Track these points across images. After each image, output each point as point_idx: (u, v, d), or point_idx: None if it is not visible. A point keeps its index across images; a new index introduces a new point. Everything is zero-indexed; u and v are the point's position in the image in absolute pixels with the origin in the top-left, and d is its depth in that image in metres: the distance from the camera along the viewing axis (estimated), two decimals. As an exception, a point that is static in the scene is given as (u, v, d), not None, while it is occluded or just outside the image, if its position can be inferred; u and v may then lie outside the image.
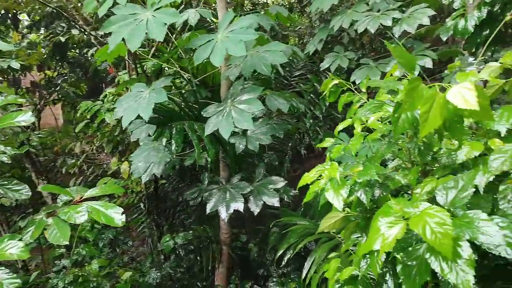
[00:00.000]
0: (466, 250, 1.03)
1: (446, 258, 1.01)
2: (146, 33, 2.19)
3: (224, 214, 3.05)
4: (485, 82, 1.63)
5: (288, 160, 4.61)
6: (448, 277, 1.00)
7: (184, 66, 3.55)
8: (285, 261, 3.14)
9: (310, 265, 2.81)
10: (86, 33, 3.42)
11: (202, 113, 2.69)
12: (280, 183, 3.21)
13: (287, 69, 5.14)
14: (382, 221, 1.14)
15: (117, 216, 1.97)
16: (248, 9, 6.68)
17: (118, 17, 2.31)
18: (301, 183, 1.67)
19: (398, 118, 1.31)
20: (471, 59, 3.15)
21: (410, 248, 1.16)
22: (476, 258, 1.22)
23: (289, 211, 3.62)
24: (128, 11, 2.36)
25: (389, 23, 3.38)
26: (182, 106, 2.93)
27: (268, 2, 7.12)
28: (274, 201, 3.07)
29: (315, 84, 4.55)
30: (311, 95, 4.55)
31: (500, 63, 1.60)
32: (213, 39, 2.52)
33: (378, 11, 3.64)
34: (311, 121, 4.45)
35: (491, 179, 1.39)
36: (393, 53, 1.29)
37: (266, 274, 4.17)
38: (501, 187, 1.41)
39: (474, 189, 1.24)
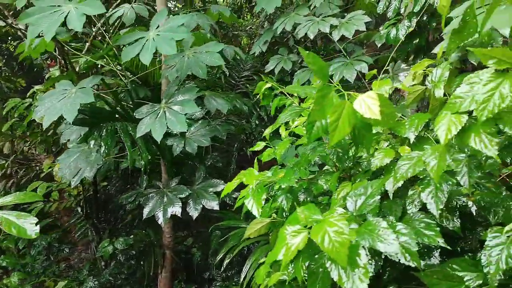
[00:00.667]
0: (363, 259, 1.04)
1: (344, 267, 1.02)
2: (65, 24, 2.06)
3: (161, 219, 2.95)
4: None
5: (234, 161, 4.58)
6: (345, 285, 1.00)
7: (123, 64, 3.40)
8: (225, 265, 3.10)
9: (248, 269, 2.80)
10: (9, 24, 3.16)
11: (134, 114, 2.57)
12: (221, 185, 3.17)
13: (236, 69, 5.11)
14: (288, 229, 1.13)
15: (30, 227, 1.81)
16: (199, 7, 6.56)
17: (37, 9, 2.14)
18: (225, 191, 1.64)
19: (312, 125, 1.31)
20: (403, 65, 3.30)
21: (316, 256, 1.17)
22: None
23: (231, 213, 3.59)
24: (48, 2, 2.20)
25: (327, 30, 3.46)
26: (115, 106, 2.79)
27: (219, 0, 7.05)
28: (214, 205, 3.02)
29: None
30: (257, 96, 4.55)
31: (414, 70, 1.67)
32: (144, 36, 2.42)
33: (320, 15, 3.71)
34: (256, 122, 4.45)
35: (399, 185, 1.44)
36: (305, 59, 1.29)
37: (211, 278, 4.11)
38: (410, 192, 1.46)
39: (379, 196, 1.26)
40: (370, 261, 1.20)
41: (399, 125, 1.60)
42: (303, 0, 4.27)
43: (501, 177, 1.59)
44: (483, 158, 1.47)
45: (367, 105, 1.12)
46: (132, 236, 3.94)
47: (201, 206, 3.02)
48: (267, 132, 1.86)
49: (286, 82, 4.19)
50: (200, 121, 3.13)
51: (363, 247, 1.09)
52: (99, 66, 3.33)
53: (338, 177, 1.73)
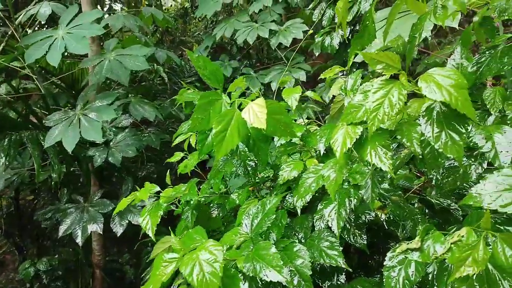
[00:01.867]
0: (243, 289, 0.91)
1: (221, 300, 0.88)
2: None
3: (79, 238, 2.69)
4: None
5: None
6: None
7: (46, 67, 3.11)
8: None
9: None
10: None
11: (44, 121, 2.32)
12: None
13: (179, 75, 4.92)
14: (165, 257, 0.97)
15: None
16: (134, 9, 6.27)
17: None
18: (117, 209, 1.46)
19: (204, 136, 1.17)
20: (340, 74, 3.29)
21: None
22: None
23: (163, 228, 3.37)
24: None
25: (266, 35, 3.39)
26: (27, 113, 2.51)
27: (165, 3, 6.84)
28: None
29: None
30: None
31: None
32: (52, 35, 2.18)
33: (257, 21, 3.64)
34: (197, 130, 4.28)
35: (308, 199, 1.34)
36: (194, 64, 1.15)
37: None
38: (319, 207, 1.36)
39: (274, 216, 1.14)
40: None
41: (310, 136, 1.51)
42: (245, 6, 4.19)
43: (413, 190, 1.54)
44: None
45: (255, 113, 1.00)
46: (56, 256, 3.59)
47: (127, 221, 2.79)
48: (177, 140, 1.70)
49: (226, 89, 4.07)
50: (127, 130, 2.90)
51: (245, 276, 0.96)
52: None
53: (251, 191, 1.61)
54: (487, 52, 1.10)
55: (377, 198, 1.35)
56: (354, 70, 2.50)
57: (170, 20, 3.57)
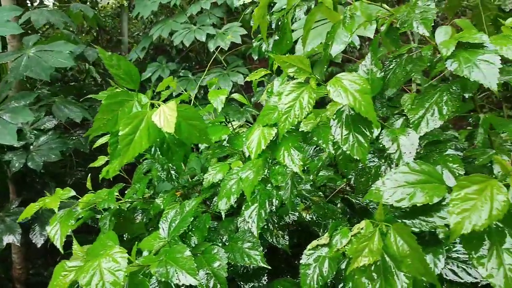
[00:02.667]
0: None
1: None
2: None
3: (-8, 250, 2.43)
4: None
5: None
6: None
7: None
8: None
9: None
10: None
11: None
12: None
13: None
14: (67, 264, 0.90)
15: None
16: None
17: None
18: (23, 216, 1.34)
19: (116, 140, 1.11)
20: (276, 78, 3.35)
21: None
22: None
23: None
24: None
25: (203, 38, 3.36)
26: None
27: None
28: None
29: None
30: (135, 106, 4.23)
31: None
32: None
33: (197, 23, 3.60)
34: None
35: (232, 202, 1.33)
36: (105, 62, 1.09)
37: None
38: (242, 210, 1.35)
39: (192, 219, 1.12)
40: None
41: (237, 138, 1.50)
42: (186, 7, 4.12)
43: (337, 190, 1.60)
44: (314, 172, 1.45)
45: (166, 116, 0.97)
46: (-32, 272, 3.22)
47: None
48: (97, 144, 1.61)
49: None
50: (50, 132, 2.70)
51: (159, 282, 0.92)
52: None
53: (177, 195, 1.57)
54: (393, 60, 1.17)
55: (299, 199, 1.38)
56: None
57: (100, 18, 3.40)
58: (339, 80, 0.94)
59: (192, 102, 1.85)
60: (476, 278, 0.96)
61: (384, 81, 1.14)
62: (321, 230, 1.40)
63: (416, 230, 0.84)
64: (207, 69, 2.55)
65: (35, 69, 2.25)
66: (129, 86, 1.14)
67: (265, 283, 1.28)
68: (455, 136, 1.48)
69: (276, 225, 1.36)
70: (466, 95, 1.13)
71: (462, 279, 0.96)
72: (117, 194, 1.65)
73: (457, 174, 1.04)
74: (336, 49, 1.27)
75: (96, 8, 5.91)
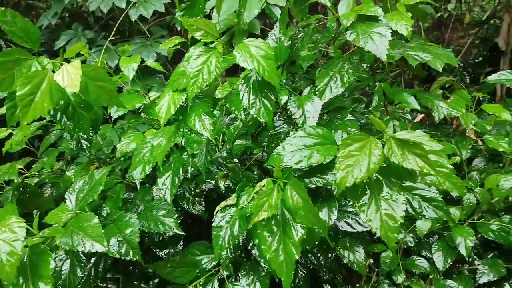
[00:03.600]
0: (51, 266, 0.84)
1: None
2: None
3: None
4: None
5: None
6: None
7: None
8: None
9: None
10: None
11: None
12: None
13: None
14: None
15: None
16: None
17: None
18: None
19: (14, 104, 1.03)
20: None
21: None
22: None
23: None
24: None
25: (123, 5, 3.15)
26: None
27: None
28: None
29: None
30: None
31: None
32: None
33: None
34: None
35: (148, 171, 1.31)
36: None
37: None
38: (157, 178, 1.34)
39: (101, 186, 1.09)
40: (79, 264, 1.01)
41: (151, 107, 1.47)
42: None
43: (254, 158, 1.66)
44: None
45: (69, 75, 0.92)
46: None
47: None
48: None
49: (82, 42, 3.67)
50: None
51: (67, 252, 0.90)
52: None
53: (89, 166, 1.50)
54: (301, 30, 1.23)
55: (216, 167, 1.41)
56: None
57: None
58: (245, 46, 0.97)
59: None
60: (366, 228, 1.08)
61: (292, 49, 1.20)
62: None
63: (313, 186, 0.92)
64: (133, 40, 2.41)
65: None
66: (28, 46, 1.05)
67: (181, 248, 1.31)
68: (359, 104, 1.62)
69: (192, 193, 1.38)
70: (365, 65, 1.23)
71: (354, 229, 1.08)
72: (23, 168, 1.54)
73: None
74: (248, 16, 1.30)
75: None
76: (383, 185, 0.80)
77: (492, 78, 1.63)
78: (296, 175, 0.95)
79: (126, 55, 1.48)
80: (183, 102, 1.03)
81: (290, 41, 1.16)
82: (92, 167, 1.65)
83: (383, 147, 0.77)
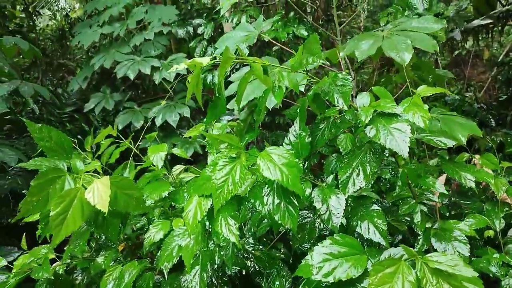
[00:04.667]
0: None
1: None
2: None
3: None
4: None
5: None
6: None
7: None
8: None
9: None
10: None
11: None
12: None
13: (59, 104, 4.47)
14: None
15: None
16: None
17: None
18: None
19: (47, 215, 1.08)
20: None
21: None
22: None
23: None
24: None
25: (147, 71, 3.33)
26: None
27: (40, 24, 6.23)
28: None
29: (83, 124, 4.08)
30: (79, 136, 4.05)
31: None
32: None
33: (141, 53, 3.56)
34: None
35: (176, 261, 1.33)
36: (35, 136, 1.07)
37: None
38: (185, 270, 1.35)
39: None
40: None
41: (178, 193, 1.51)
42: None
43: (278, 237, 1.65)
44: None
45: (100, 193, 0.96)
46: None
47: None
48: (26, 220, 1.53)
49: (109, 122, 3.85)
50: None
51: None
52: None
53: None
54: (321, 122, 1.25)
55: (241, 255, 1.41)
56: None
57: (38, 51, 3.26)
58: (267, 154, 1.00)
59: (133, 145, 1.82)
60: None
61: (312, 143, 1.22)
62: (263, 279, 1.45)
63: (342, 299, 0.91)
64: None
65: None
66: (62, 158, 1.11)
67: None
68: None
69: (220, 281, 1.38)
70: (386, 153, 1.24)
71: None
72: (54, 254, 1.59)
73: (381, 230, 1.14)
74: (269, 105, 1.35)
75: (34, 31, 5.64)
76: (416, 311, 0.78)
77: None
78: (325, 285, 0.94)
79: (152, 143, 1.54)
80: (208, 208, 1.05)
81: (310, 137, 1.19)
82: (120, 247, 1.69)
83: (416, 273, 0.75)
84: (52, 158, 1.11)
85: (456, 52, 5.82)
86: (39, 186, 0.97)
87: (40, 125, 1.09)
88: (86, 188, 1.00)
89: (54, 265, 1.51)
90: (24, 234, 1.68)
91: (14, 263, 1.51)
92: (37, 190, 0.97)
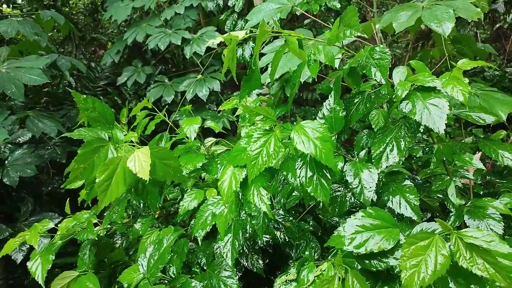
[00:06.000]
0: None
1: None
2: None
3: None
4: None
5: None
6: None
7: None
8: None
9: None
10: None
11: None
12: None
13: (90, 78, 4.61)
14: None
15: None
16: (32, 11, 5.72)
17: None
18: (4, 251, 1.37)
19: (92, 181, 1.15)
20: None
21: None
22: None
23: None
24: None
25: (178, 42, 3.35)
26: None
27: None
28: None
29: (116, 98, 4.20)
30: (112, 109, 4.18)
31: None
32: None
33: (172, 27, 3.58)
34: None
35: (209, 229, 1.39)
36: (81, 106, 1.12)
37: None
38: (218, 237, 1.41)
39: (169, 257, 1.17)
40: None
41: (211, 164, 1.55)
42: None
43: (307, 210, 1.68)
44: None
45: (140, 162, 1.01)
46: None
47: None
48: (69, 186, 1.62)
49: (140, 96, 3.94)
50: (25, 146, 2.68)
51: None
52: None
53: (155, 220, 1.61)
54: (356, 96, 1.24)
55: (272, 225, 1.46)
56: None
57: (72, 26, 3.33)
58: (301, 128, 1.01)
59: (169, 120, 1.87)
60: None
61: (347, 117, 1.22)
62: (293, 250, 1.49)
63: (374, 269, 0.93)
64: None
65: (8, 86, 2.22)
66: (104, 129, 1.17)
67: (241, 306, 1.36)
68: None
69: (251, 249, 1.43)
70: (421, 129, 1.22)
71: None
72: (96, 219, 1.69)
73: (413, 205, 1.14)
74: (302, 78, 1.35)
75: (67, 5, 5.75)
76: (449, 284, 0.79)
77: None
78: (356, 255, 0.97)
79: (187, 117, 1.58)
80: (243, 178, 1.09)
81: (344, 111, 1.18)
82: (156, 215, 1.78)
83: (450, 247, 0.76)
84: (95, 128, 1.16)
85: (497, 25, 5.47)
86: (85, 154, 1.03)
87: (85, 95, 1.15)
88: (127, 158, 1.05)
89: (95, 229, 1.61)
90: (68, 199, 1.79)
91: (58, 225, 1.62)
92: (83, 159, 1.03)
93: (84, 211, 1.73)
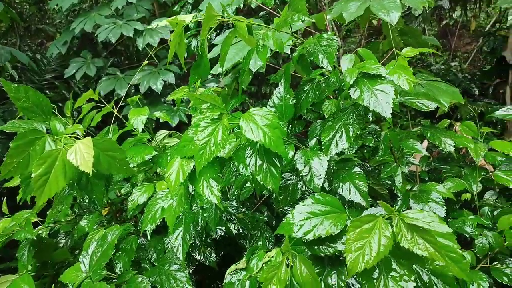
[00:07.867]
0: None
1: None
2: None
3: None
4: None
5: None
6: None
7: None
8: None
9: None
10: None
11: None
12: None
13: (39, 71, 4.31)
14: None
15: None
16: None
17: None
18: None
19: (28, 177, 1.06)
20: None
21: None
22: None
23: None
24: None
25: (130, 34, 3.21)
26: None
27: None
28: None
29: (64, 92, 3.96)
30: (59, 104, 3.95)
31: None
32: None
33: (123, 17, 3.43)
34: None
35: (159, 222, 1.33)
36: (12, 96, 1.03)
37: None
38: (168, 232, 1.36)
39: (113, 252, 1.11)
40: None
41: (161, 157, 1.49)
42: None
43: (262, 201, 1.68)
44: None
45: (82, 154, 0.94)
46: None
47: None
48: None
49: (91, 89, 3.74)
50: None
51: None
52: None
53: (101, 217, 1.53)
54: (306, 84, 1.24)
55: (225, 217, 1.43)
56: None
57: (15, 14, 3.09)
58: (250, 115, 0.99)
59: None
60: None
61: (297, 105, 1.21)
62: (247, 241, 1.47)
63: (322, 255, 0.93)
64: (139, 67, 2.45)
65: None
66: (40, 120, 1.08)
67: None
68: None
69: (204, 242, 1.40)
70: (370, 116, 1.24)
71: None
72: (36, 218, 1.58)
73: (362, 191, 1.16)
74: (253, 67, 1.33)
75: (9, -6, 5.34)
76: (392, 265, 0.80)
77: (499, 113, 1.62)
78: (305, 241, 0.96)
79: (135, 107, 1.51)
80: (191, 169, 1.05)
81: (294, 100, 1.18)
82: (104, 211, 1.69)
83: (392, 229, 0.77)
84: (31, 120, 1.07)
85: (444, 22, 5.79)
86: (19, 147, 0.94)
87: (16, 84, 1.05)
88: (68, 150, 0.98)
89: (37, 228, 1.50)
90: (5, 198, 1.66)
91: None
92: (16, 152, 0.94)
93: (25, 210, 1.61)
